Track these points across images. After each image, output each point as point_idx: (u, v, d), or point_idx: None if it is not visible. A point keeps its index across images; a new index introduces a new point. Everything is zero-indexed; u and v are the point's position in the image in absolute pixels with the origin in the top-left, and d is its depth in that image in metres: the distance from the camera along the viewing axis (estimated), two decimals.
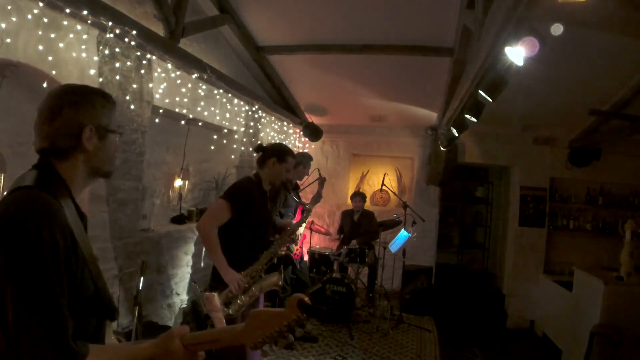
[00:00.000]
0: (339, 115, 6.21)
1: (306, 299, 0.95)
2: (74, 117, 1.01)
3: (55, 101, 1.01)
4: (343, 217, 5.58)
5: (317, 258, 5.30)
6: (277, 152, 2.61)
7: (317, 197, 3.98)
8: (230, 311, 2.35)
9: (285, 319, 0.95)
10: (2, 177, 2.35)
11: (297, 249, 4.35)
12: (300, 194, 4.23)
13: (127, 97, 2.80)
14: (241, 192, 2.48)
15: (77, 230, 0.95)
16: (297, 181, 4.22)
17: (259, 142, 4.95)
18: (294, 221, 3.87)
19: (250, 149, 4.69)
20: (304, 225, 3.38)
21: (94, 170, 1.08)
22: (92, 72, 2.49)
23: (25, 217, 0.87)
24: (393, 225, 5.00)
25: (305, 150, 6.15)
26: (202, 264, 4.10)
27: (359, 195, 5.42)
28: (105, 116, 1.07)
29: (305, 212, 3.00)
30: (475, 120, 3.27)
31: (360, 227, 5.27)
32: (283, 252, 2.84)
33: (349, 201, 6.48)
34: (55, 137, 0.99)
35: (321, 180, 4.02)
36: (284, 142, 5.70)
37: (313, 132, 5.99)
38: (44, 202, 0.91)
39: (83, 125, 1.01)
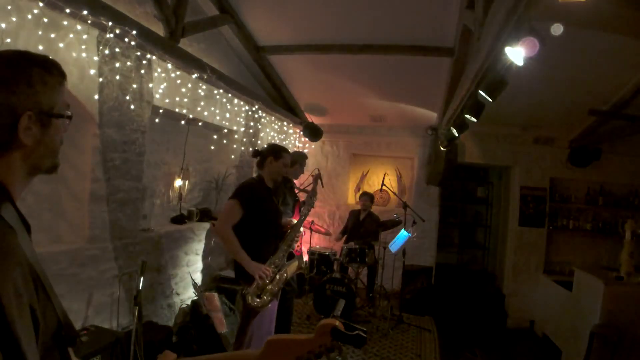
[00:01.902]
0: (339, 115, 6.21)
1: (337, 323, 0.86)
2: (6, 102, 0.75)
3: None
4: (350, 215, 5.59)
5: (317, 258, 5.30)
6: (272, 151, 2.82)
7: (312, 194, 3.98)
8: (262, 302, 2.52)
9: (314, 346, 0.84)
10: None
11: (297, 246, 4.36)
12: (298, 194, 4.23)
13: (127, 97, 2.80)
14: (247, 189, 2.69)
15: (30, 254, 0.76)
16: (295, 180, 4.22)
17: (258, 142, 4.95)
18: (294, 219, 3.88)
19: (250, 149, 4.69)
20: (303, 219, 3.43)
21: (35, 167, 0.83)
22: (92, 72, 2.49)
23: None
24: (393, 225, 5.00)
25: (305, 150, 6.15)
26: (201, 264, 4.10)
27: (366, 195, 5.44)
28: (48, 95, 0.81)
29: (306, 206, 3.11)
30: (475, 120, 3.27)
31: (363, 227, 5.28)
32: (298, 240, 3.04)
33: (349, 201, 6.50)
34: None
35: (315, 177, 4.02)
36: (283, 142, 5.72)
37: (313, 132, 5.99)
38: None
39: (18, 112, 0.76)
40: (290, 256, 2.86)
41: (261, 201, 2.68)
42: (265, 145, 3.00)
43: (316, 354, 0.84)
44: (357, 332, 0.84)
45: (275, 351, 0.88)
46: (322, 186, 4.09)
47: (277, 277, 2.62)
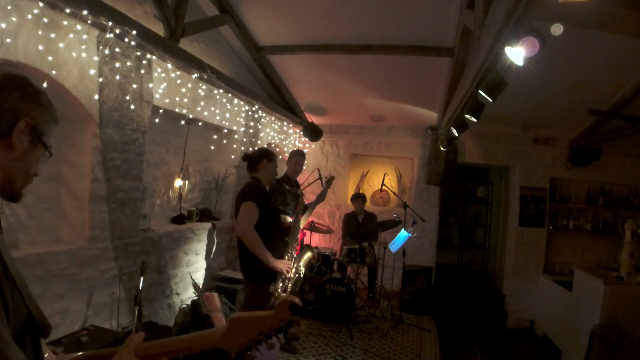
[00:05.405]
0: (339, 115, 6.20)
1: (297, 300, 0.92)
2: (17, 104, 0.83)
3: (4, 79, 0.85)
4: (347, 220, 5.48)
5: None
6: (265, 154, 2.89)
7: (321, 196, 4.01)
8: (285, 294, 2.68)
9: (274, 322, 0.91)
10: None
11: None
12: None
13: (127, 97, 2.80)
14: (258, 190, 2.75)
15: (1, 245, 0.80)
16: (297, 180, 4.23)
17: (258, 142, 4.95)
18: (290, 218, 3.89)
19: (250, 149, 4.69)
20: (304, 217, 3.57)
21: (9, 180, 0.86)
22: (92, 72, 2.49)
23: None
24: (393, 225, 4.99)
25: (305, 150, 6.14)
26: (204, 263, 4.10)
27: (359, 198, 5.38)
28: (47, 123, 0.90)
29: (300, 203, 3.26)
30: (475, 120, 3.27)
31: (363, 228, 5.27)
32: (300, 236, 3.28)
33: (349, 201, 6.48)
34: None
35: (329, 179, 4.06)
36: (284, 142, 5.72)
37: (313, 132, 5.99)
38: None
39: (22, 116, 0.84)
40: (301, 248, 3.09)
41: (269, 200, 2.82)
42: (255, 150, 3.09)
43: (277, 329, 0.91)
44: (314, 307, 0.91)
45: (240, 328, 0.93)
46: (322, 186, 4.10)
47: (296, 266, 2.87)
